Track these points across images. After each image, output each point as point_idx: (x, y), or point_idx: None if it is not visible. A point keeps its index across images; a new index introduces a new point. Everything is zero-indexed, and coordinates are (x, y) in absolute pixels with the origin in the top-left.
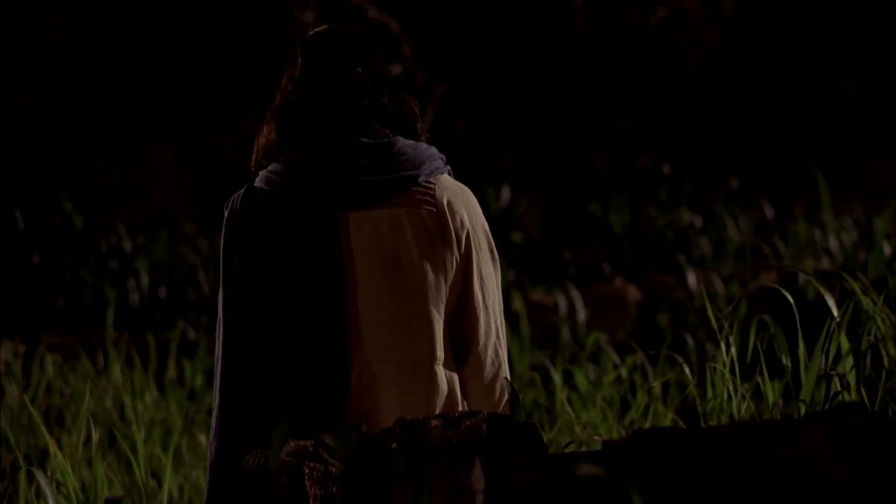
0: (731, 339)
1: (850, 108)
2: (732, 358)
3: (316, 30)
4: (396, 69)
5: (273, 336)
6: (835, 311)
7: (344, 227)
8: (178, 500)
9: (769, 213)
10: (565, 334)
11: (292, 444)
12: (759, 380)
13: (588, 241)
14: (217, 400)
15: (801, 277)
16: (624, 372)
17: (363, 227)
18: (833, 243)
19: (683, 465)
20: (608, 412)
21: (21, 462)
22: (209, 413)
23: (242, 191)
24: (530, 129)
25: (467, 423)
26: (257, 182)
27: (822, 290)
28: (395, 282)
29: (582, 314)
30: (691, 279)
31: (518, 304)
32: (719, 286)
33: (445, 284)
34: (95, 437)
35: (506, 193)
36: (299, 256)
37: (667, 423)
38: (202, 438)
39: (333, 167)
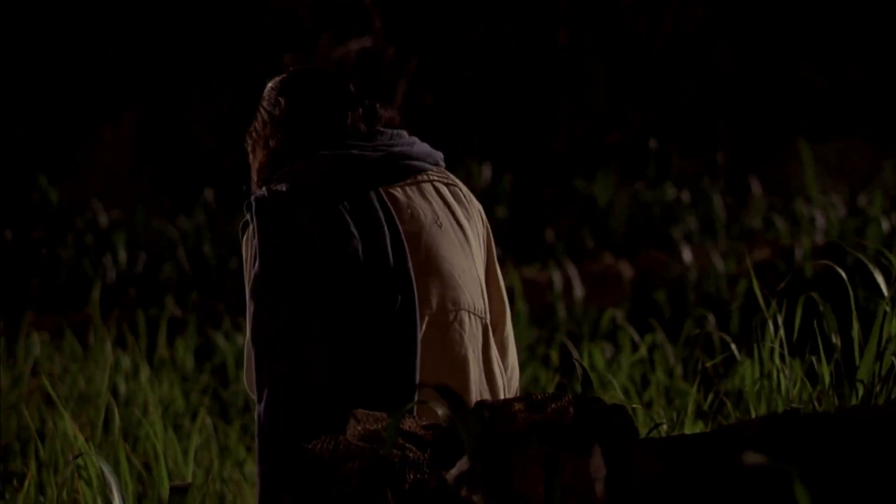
0: (780, 319)
1: (807, 89)
2: (781, 338)
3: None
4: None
5: (334, 316)
6: (884, 289)
7: (382, 200)
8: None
9: (756, 188)
10: (561, 311)
11: (360, 428)
12: (813, 360)
13: (571, 217)
14: (267, 389)
15: (798, 253)
16: (644, 350)
17: (399, 199)
18: (819, 219)
19: (832, 449)
20: (631, 390)
21: (36, 440)
22: (203, 392)
23: (265, 193)
24: (505, 104)
25: (553, 405)
26: (275, 186)
27: (871, 267)
28: (442, 241)
29: (579, 291)
30: (686, 255)
31: (514, 280)
32: (718, 262)
33: (481, 250)
34: (117, 420)
35: (487, 170)
36: (351, 234)
37: (691, 401)
38: (208, 420)
39: (364, 151)
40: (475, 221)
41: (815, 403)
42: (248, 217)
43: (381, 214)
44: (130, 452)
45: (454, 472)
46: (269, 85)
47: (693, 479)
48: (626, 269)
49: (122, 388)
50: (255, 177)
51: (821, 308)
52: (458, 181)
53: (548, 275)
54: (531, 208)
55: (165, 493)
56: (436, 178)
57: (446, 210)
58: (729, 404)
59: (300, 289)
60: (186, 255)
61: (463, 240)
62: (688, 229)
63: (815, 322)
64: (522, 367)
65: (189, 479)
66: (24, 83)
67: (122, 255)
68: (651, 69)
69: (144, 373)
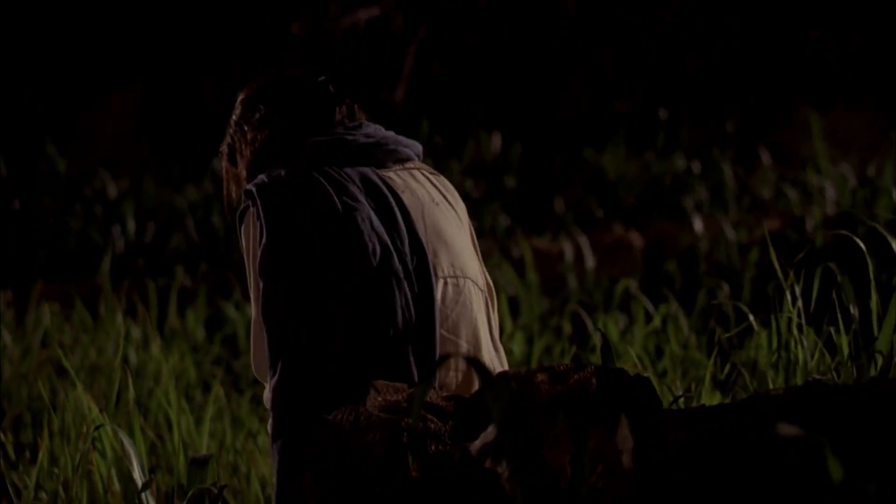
0: (798, 289)
1: (813, 58)
2: (799, 308)
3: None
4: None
5: (350, 283)
6: None
7: (381, 178)
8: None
9: (765, 158)
10: (572, 282)
11: (380, 399)
12: (832, 331)
13: (580, 187)
14: (283, 360)
15: (809, 223)
16: (658, 321)
17: (396, 180)
18: (829, 189)
19: (854, 421)
20: (645, 360)
21: (50, 410)
22: (214, 362)
23: (264, 179)
24: (514, 73)
25: (576, 377)
26: (271, 173)
27: (889, 238)
28: (441, 217)
29: (590, 261)
30: (697, 225)
31: (524, 250)
32: (730, 232)
33: (472, 232)
34: (131, 391)
35: (496, 140)
36: (360, 201)
37: (708, 372)
38: (220, 391)
39: (356, 137)
40: (461, 210)
41: (834, 374)
42: (246, 204)
43: (384, 188)
44: (144, 424)
45: (478, 443)
46: (241, 96)
47: (719, 450)
48: (637, 240)
49: (133, 358)
50: (243, 174)
51: (839, 279)
52: (439, 174)
53: (559, 245)
54: (540, 178)
55: (179, 463)
56: (421, 167)
57: (438, 194)
58: (746, 375)
59: (313, 260)
60: (195, 225)
61: (458, 220)
62: (698, 200)
63: (832, 292)
64: (536, 336)
65: (203, 451)
66: (31, 51)
67: (131, 226)
68: (659, 38)
69: (155, 343)
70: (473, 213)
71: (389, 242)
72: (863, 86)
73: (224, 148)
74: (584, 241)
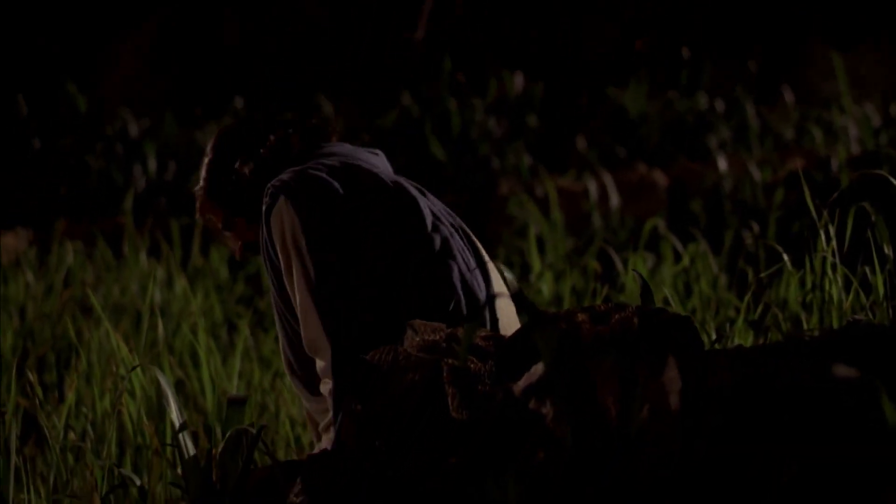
0: (832, 229)
1: None
2: (833, 248)
3: None
4: None
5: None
6: None
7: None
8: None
9: (788, 97)
10: (597, 220)
11: (418, 339)
12: (867, 270)
13: (603, 126)
14: (326, 306)
15: (834, 163)
16: (686, 260)
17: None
18: (852, 129)
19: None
20: (674, 299)
21: (77, 348)
22: (238, 302)
23: (284, 177)
24: (536, 11)
25: (617, 317)
26: (285, 175)
27: None
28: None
29: (615, 200)
30: (722, 164)
31: (549, 189)
32: (754, 171)
33: None
34: (160, 330)
35: (518, 79)
36: (402, 180)
37: (742, 312)
38: (246, 330)
39: (357, 148)
40: None
41: (869, 314)
42: (276, 195)
43: (402, 181)
44: (173, 362)
45: (522, 384)
46: (212, 142)
47: (768, 390)
48: (661, 179)
49: (157, 297)
50: (245, 183)
51: (873, 218)
52: None
53: (582, 184)
54: (563, 117)
55: (206, 403)
56: None
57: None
58: (780, 315)
59: (365, 223)
60: None
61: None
62: (721, 138)
63: (863, 232)
64: (561, 275)
65: (233, 390)
66: None
67: (152, 164)
68: None
69: (181, 282)
70: (497, 152)
71: (432, 208)
72: (883, 25)
73: (202, 183)
74: (608, 180)
